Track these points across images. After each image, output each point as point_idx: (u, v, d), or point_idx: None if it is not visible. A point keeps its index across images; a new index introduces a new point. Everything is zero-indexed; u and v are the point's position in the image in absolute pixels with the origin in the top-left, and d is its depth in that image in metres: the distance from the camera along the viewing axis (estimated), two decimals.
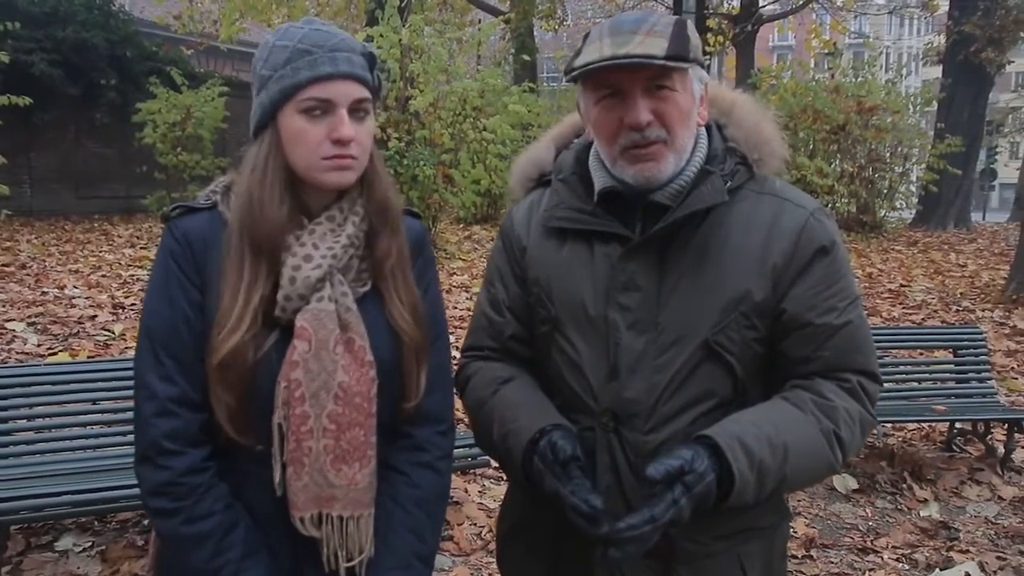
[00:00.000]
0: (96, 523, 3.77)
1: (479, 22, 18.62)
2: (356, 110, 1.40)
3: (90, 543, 3.62)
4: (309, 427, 1.39)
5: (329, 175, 1.40)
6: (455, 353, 1.75)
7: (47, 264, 8.68)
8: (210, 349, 1.36)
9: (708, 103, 1.55)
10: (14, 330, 6.19)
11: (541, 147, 1.75)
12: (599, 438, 1.52)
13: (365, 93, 1.41)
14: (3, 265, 8.39)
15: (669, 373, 1.48)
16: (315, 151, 1.38)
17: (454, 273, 8.99)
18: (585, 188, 1.58)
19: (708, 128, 1.58)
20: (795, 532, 4.05)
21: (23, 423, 3.78)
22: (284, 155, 1.40)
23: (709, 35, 17.47)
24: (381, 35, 10.81)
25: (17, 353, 5.75)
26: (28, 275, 8.07)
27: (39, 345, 5.93)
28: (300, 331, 1.38)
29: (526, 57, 18.84)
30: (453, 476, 4.04)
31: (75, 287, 7.58)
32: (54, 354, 5.72)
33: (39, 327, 6.33)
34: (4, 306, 6.77)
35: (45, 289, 7.49)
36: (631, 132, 1.45)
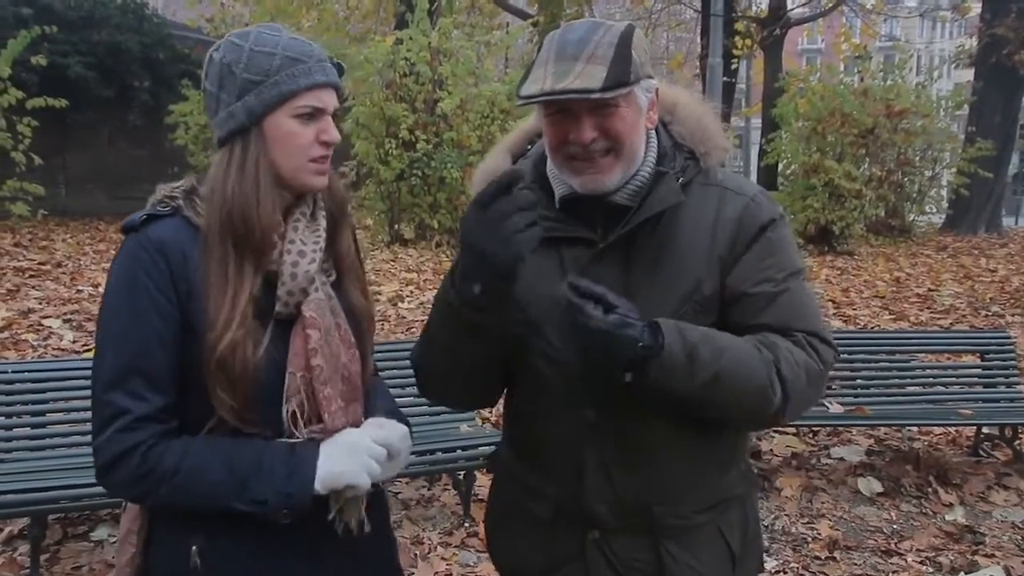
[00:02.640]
0: None
1: (507, 25, 18.71)
2: (333, 116, 1.51)
3: None
4: (335, 408, 1.48)
5: (315, 177, 1.50)
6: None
7: (82, 263, 8.83)
8: (206, 351, 1.39)
9: (657, 106, 1.60)
10: (50, 326, 6.31)
11: (497, 158, 1.79)
12: (584, 432, 1.60)
13: (338, 101, 1.53)
14: (39, 263, 8.55)
15: None
16: (304, 153, 1.47)
17: None
18: (546, 195, 1.63)
19: (655, 126, 1.64)
20: (819, 534, 4.07)
21: (59, 416, 3.88)
22: (270, 157, 1.45)
23: (737, 38, 17.39)
24: (411, 38, 10.92)
25: (53, 349, 5.88)
26: (63, 273, 8.22)
27: (74, 341, 6.06)
28: (311, 321, 1.46)
29: None
30: (477, 473, 4.10)
31: None
32: (89, 350, 5.82)
33: (74, 324, 6.46)
34: (41, 303, 6.91)
35: (80, 287, 7.62)
36: (576, 146, 1.51)
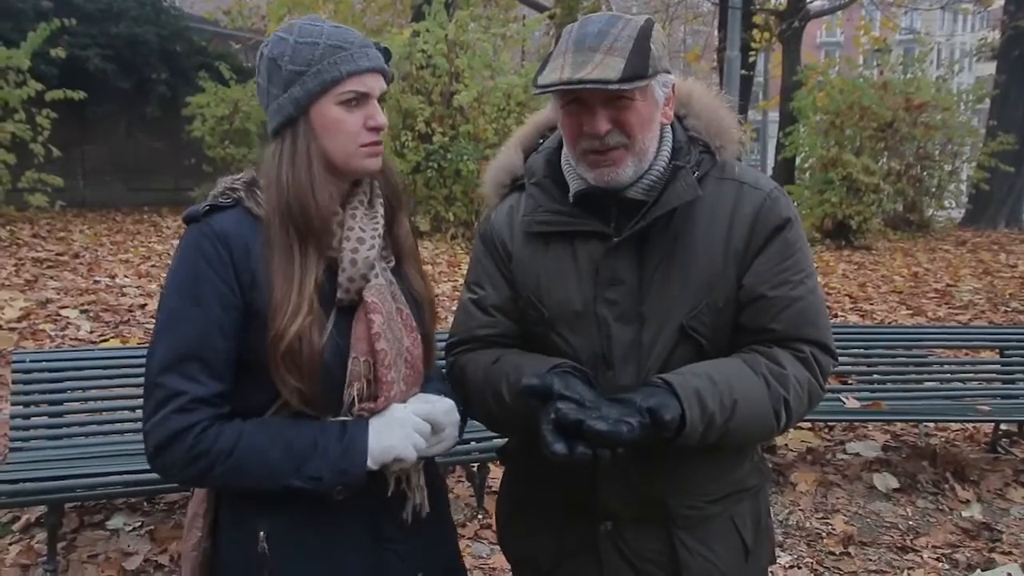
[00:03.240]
0: (145, 504, 3.88)
1: (524, 18, 18.65)
2: (380, 100, 1.51)
3: (140, 523, 3.74)
4: (395, 392, 1.50)
5: (367, 161, 1.51)
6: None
7: (99, 254, 8.88)
8: (274, 339, 1.40)
9: (674, 101, 1.60)
10: (68, 317, 6.35)
11: (510, 152, 1.80)
12: None
13: (385, 84, 1.53)
14: (57, 254, 8.60)
15: (653, 358, 1.56)
16: (354, 139, 1.48)
17: None
18: (560, 190, 1.64)
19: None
20: (833, 529, 4.04)
21: (76, 406, 3.90)
22: (321, 145, 1.47)
23: (755, 31, 17.25)
24: (427, 30, 10.91)
25: (71, 339, 5.92)
26: (81, 264, 8.26)
27: (91, 332, 6.10)
28: (373, 306, 1.48)
29: None
30: (491, 465, 4.10)
31: (126, 276, 7.76)
32: (106, 340, 5.87)
33: (92, 314, 6.50)
34: (59, 294, 6.95)
35: (97, 278, 7.67)
36: (591, 138, 1.52)
